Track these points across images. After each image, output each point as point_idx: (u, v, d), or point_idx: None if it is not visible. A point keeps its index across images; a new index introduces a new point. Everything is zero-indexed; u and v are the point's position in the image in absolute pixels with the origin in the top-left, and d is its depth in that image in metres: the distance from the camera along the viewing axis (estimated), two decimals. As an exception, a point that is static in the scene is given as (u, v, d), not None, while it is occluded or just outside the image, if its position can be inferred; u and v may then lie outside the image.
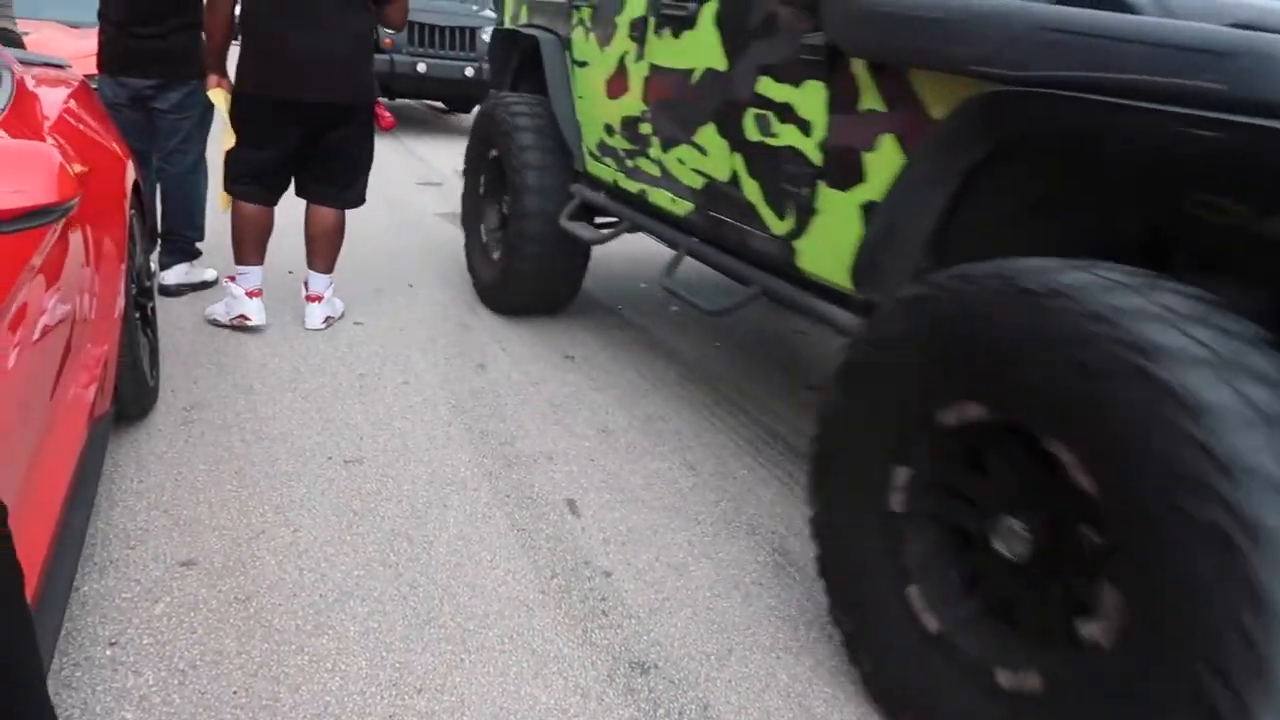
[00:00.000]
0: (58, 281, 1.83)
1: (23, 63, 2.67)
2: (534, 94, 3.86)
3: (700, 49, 2.69)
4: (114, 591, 1.99)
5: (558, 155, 3.64)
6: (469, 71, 8.82)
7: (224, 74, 3.42)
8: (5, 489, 1.40)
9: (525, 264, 3.69)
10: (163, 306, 3.61)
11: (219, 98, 3.40)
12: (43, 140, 2.16)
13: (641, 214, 3.26)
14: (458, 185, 6.97)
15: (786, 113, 2.34)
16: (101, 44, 3.72)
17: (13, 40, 4.00)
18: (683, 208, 2.91)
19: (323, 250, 3.63)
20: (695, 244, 2.90)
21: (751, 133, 2.49)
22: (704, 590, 2.23)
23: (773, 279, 2.55)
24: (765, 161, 2.46)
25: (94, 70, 3.78)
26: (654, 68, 2.99)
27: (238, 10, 3.32)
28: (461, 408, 3.08)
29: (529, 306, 3.95)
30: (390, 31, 7.85)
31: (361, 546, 2.26)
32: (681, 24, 2.78)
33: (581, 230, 3.56)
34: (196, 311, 3.66)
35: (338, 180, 3.55)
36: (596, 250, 5.43)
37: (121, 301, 2.42)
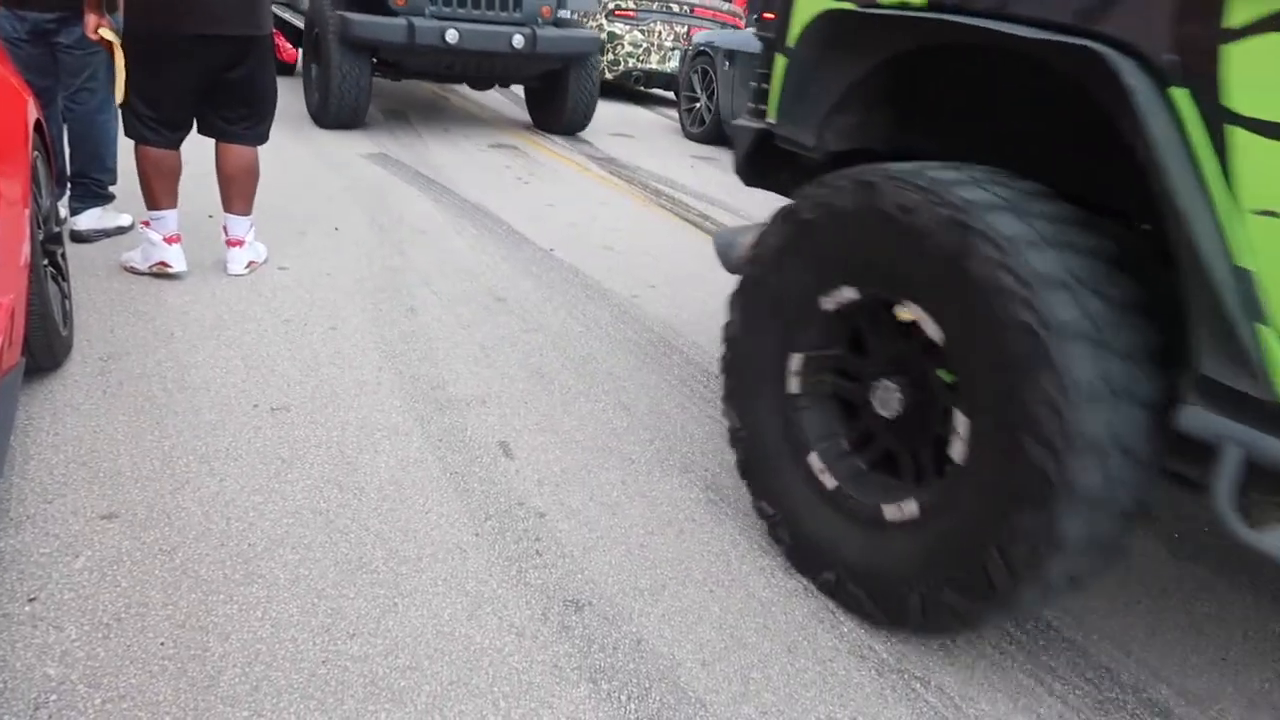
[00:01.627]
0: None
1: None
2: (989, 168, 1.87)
3: None
4: (31, 547, 1.94)
5: (1141, 350, 1.64)
6: (517, 41, 6.31)
7: (103, 14, 3.21)
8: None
9: (1039, 583, 1.67)
10: (75, 253, 3.46)
11: (110, 38, 3.21)
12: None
13: None
14: (384, 124, 6.83)
15: None
16: (-3, -27, 3.50)
17: None
18: None
19: (238, 191, 3.51)
20: None
21: None
22: (637, 528, 2.26)
23: None
24: None
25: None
26: None
27: None
28: (392, 353, 3.04)
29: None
30: None
31: (290, 495, 2.23)
32: None
33: None
34: (111, 258, 3.52)
35: (244, 118, 3.43)
36: (523, 185, 5.42)
37: (26, 248, 2.31)
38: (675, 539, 2.24)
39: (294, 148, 5.54)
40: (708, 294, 3.94)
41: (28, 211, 2.35)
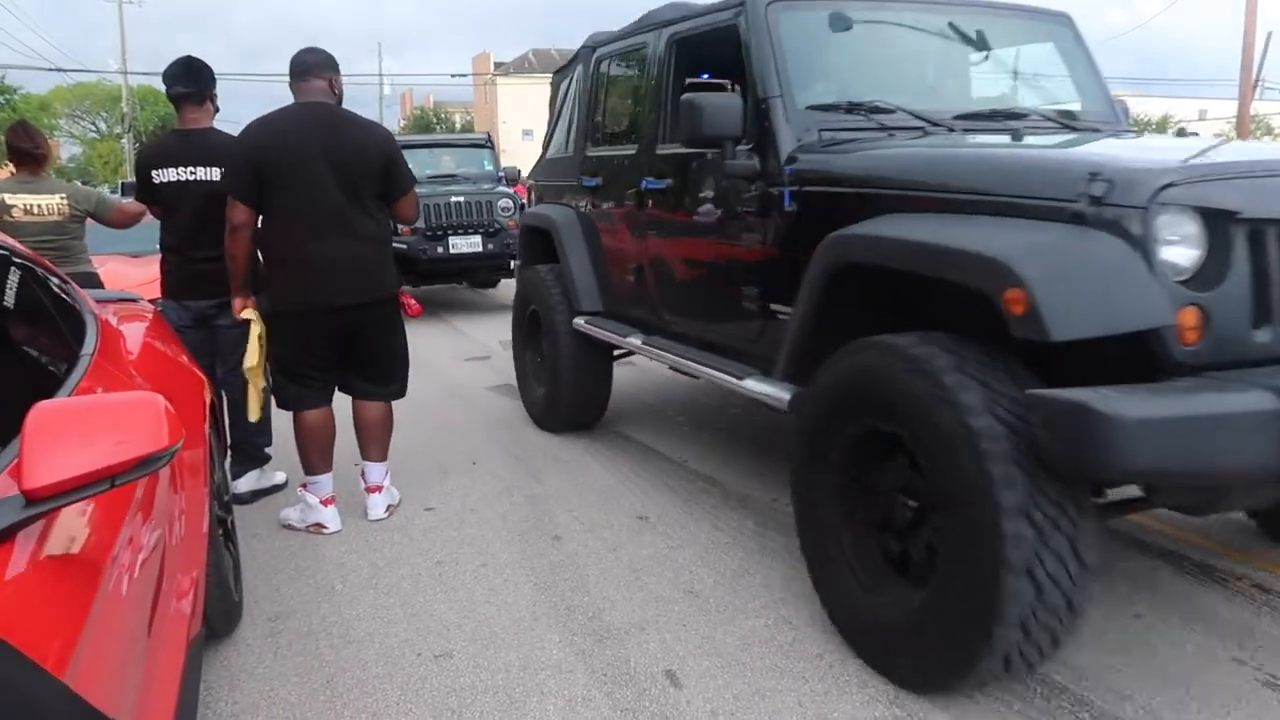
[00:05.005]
0: (151, 514, 1.86)
1: (99, 301, 2.81)
2: None
3: None
4: (221, 827, 1.93)
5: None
6: None
7: (249, 295, 3.53)
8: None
9: None
10: (238, 515, 3.64)
11: (251, 316, 3.50)
12: (129, 375, 2.24)
13: None
14: (504, 354, 7.14)
15: None
16: (164, 271, 3.92)
17: (94, 282, 4.24)
18: None
19: (375, 441, 3.69)
20: None
21: None
22: (826, 756, 2.12)
23: None
24: None
25: (157, 294, 3.97)
26: None
27: None
28: (543, 585, 3.03)
29: None
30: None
31: (464, 748, 2.18)
32: None
33: None
34: (270, 516, 3.69)
35: (379, 375, 3.65)
36: (648, 397, 5.45)
37: (207, 521, 2.44)
38: (869, 765, 2.08)
39: (424, 386, 5.82)
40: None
41: (207, 487, 2.50)
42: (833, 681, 2.42)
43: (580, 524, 3.55)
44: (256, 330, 3.49)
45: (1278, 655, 2.51)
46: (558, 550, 3.31)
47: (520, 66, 47.27)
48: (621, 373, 6.44)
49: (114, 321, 2.53)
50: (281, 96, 3.61)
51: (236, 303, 3.54)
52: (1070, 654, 2.51)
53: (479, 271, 9.63)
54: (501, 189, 9.67)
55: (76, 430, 1.22)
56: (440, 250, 8.95)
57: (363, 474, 3.73)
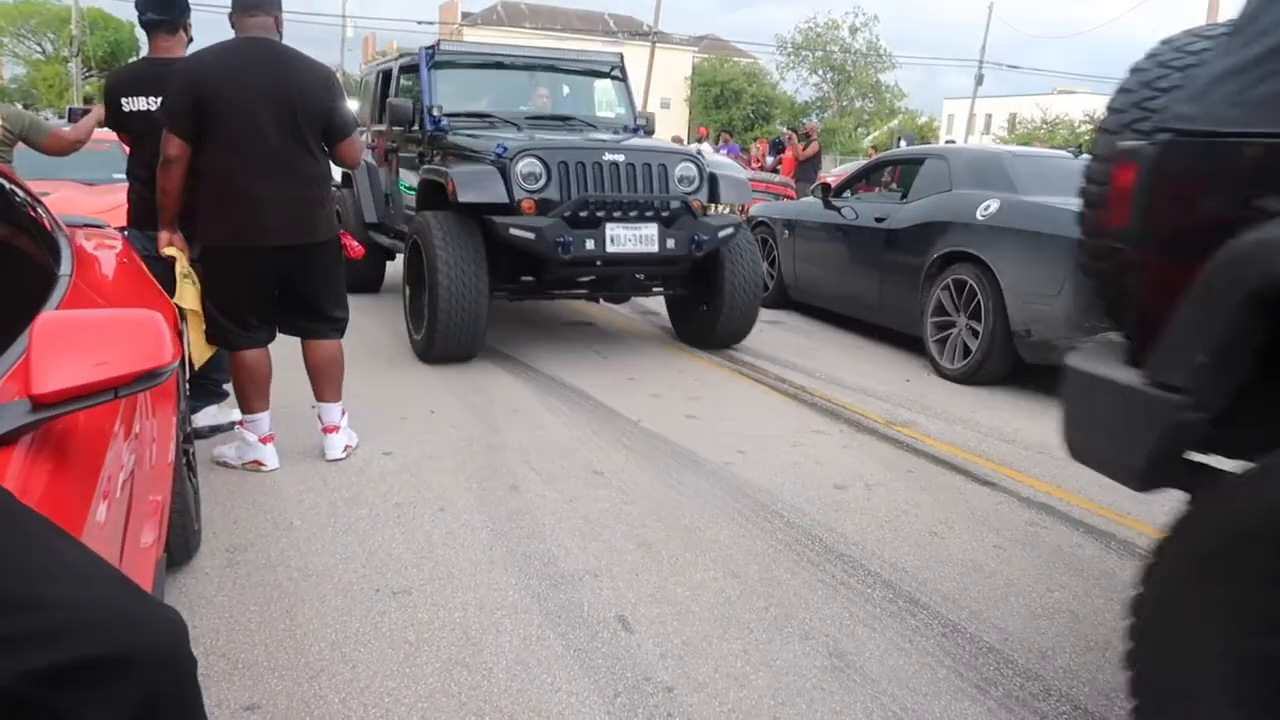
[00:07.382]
0: (130, 435, 1.89)
1: (68, 225, 2.79)
2: None
3: None
4: (184, 741, 1.98)
5: None
6: None
7: (176, 231, 3.49)
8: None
9: None
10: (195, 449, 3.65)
11: (176, 254, 3.45)
12: (107, 299, 2.26)
13: None
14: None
15: None
16: (131, 201, 3.87)
17: None
18: None
19: (327, 380, 3.71)
20: None
21: None
22: (767, 699, 2.24)
23: None
24: None
25: (115, 223, 3.92)
26: None
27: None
28: (500, 531, 3.11)
29: None
30: None
31: (422, 678, 2.26)
32: None
33: None
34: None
35: (319, 314, 3.65)
36: (603, 359, 5.52)
37: (174, 449, 2.47)
38: (807, 710, 2.21)
39: (381, 337, 5.83)
40: (799, 457, 3.99)
41: (176, 415, 2.53)
42: (776, 632, 2.54)
43: (537, 475, 3.63)
44: (182, 268, 3.43)
45: (1188, 627, 2.70)
46: (515, 499, 3.39)
47: (489, 19, 46.46)
48: (579, 328, 6.50)
49: (89, 246, 2.52)
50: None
51: (163, 237, 3.47)
52: (999, 619, 2.67)
53: (626, 282, 5.57)
54: (669, 145, 6.20)
55: (82, 341, 1.26)
56: (591, 245, 5.02)
57: (319, 415, 3.76)
